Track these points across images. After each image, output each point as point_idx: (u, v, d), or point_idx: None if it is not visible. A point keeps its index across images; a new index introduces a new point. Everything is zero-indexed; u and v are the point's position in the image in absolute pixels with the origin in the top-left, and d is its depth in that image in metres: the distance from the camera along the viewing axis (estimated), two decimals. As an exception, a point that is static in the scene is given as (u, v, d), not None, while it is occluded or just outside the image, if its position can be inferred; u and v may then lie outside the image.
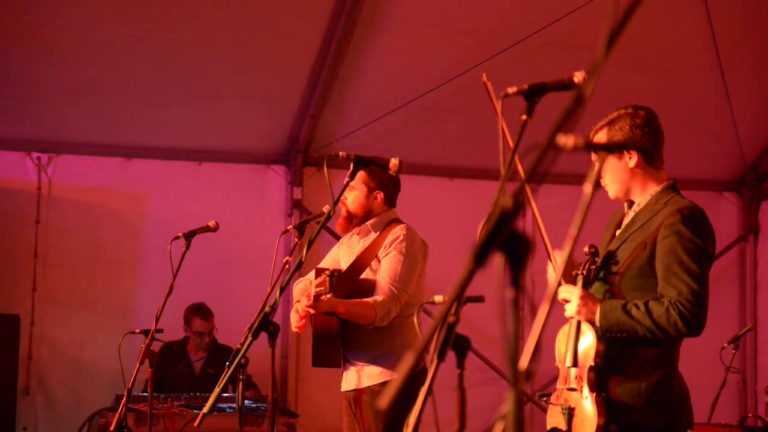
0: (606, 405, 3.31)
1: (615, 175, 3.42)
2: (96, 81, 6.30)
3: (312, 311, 4.06)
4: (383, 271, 4.19)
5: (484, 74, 3.26)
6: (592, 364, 3.34)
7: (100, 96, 6.40)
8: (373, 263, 4.27)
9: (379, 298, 4.13)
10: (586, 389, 3.35)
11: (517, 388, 1.38)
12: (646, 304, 3.25)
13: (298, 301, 4.43)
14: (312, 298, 3.98)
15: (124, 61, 6.20)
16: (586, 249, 3.48)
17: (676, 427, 3.31)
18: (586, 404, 3.34)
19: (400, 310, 4.18)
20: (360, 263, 4.28)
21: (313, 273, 4.47)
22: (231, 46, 6.22)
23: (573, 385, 3.40)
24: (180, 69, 6.33)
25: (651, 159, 3.38)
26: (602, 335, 3.34)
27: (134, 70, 6.28)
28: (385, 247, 4.24)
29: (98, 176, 6.80)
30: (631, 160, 3.38)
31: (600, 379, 3.33)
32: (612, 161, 3.41)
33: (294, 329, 4.34)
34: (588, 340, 3.37)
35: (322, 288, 3.93)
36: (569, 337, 3.43)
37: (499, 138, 2.55)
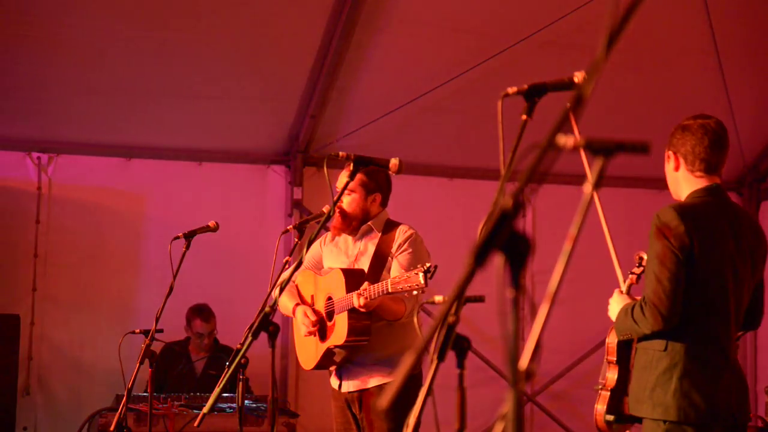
0: (612, 397, 3.68)
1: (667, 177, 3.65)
2: (96, 81, 6.30)
3: (364, 310, 4.04)
4: (404, 269, 4.18)
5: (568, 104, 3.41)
6: (608, 359, 3.73)
7: (100, 96, 6.40)
8: (388, 261, 4.28)
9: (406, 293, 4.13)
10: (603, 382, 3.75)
11: (517, 388, 1.38)
12: (634, 305, 3.48)
13: (298, 304, 4.41)
14: (369, 298, 3.95)
15: (124, 61, 6.19)
16: (636, 257, 3.80)
17: (677, 421, 3.37)
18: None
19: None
20: (379, 262, 4.27)
21: (294, 275, 4.44)
22: (231, 46, 6.21)
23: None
24: (180, 69, 6.33)
25: (690, 165, 3.52)
26: (618, 335, 3.69)
27: (134, 70, 6.28)
28: (399, 245, 4.26)
29: (98, 176, 6.80)
30: (669, 162, 3.59)
31: (622, 375, 3.66)
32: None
33: (304, 334, 4.33)
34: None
35: (413, 284, 3.73)
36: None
37: (506, 140, 2.55)
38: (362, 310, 4.04)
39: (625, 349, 3.63)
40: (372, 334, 4.21)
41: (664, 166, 3.60)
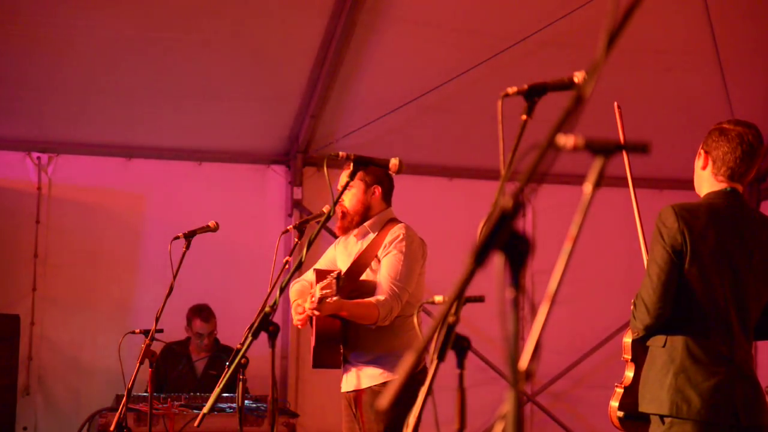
0: (626, 395, 3.75)
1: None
2: (96, 81, 6.30)
3: (316, 314, 4.06)
4: (384, 271, 4.20)
5: (616, 103, 3.56)
6: (623, 358, 3.81)
7: (100, 96, 6.40)
8: (373, 263, 4.27)
9: (380, 297, 4.13)
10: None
11: (517, 388, 1.38)
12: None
13: (296, 300, 4.43)
14: (317, 300, 3.98)
15: (124, 61, 6.20)
16: None
17: (669, 415, 3.40)
18: None
19: (400, 309, 4.19)
20: (360, 264, 4.28)
21: (310, 273, 4.46)
22: (231, 46, 6.22)
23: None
24: (180, 69, 6.33)
25: (716, 169, 3.56)
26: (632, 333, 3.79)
27: (134, 71, 6.28)
28: (384, 246, 4.25)
29: (98, 176, 6.80)
30: (699, 159, 3.62)
31: (638, 373, 3.68)
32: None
33: (296, 323, 4.34)
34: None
35: (328, 290, 3.93)
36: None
37: (506, 140, 2.55)
38: (315, 313, 4.07)
39: (641, 347, 3.66)
40: (362, 335, 4.22)
41: (694, 161, 3.64)
